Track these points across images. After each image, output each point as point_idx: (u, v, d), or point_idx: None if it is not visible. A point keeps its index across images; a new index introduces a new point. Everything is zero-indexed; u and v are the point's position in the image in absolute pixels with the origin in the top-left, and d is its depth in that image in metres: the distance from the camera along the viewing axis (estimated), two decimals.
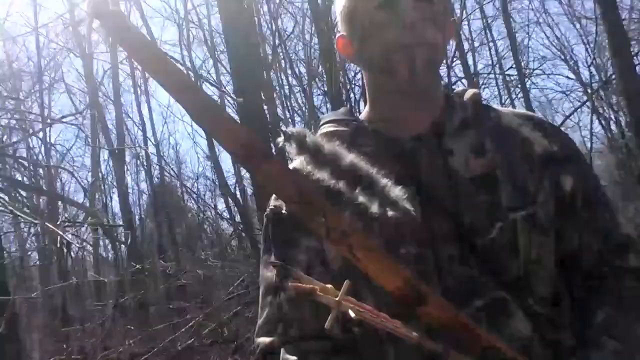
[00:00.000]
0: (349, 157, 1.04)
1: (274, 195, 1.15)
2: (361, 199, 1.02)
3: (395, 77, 1.08)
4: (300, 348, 1.08)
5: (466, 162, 1.10)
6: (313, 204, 0.94)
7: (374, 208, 1.02)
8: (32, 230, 12.55)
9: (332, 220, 0.93)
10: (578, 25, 14.40)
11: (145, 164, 13.42)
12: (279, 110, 10.16)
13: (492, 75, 14.25)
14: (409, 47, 1.06)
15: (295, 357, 1.07)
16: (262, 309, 1.15)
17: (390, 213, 1.03)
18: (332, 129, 1.18)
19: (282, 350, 1.09)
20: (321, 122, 1.23)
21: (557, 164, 1.12)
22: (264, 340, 1.12)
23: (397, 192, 1.02)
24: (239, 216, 10.25)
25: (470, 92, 1.19)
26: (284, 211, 1.13)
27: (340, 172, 1.03)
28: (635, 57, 9.83)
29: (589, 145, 12.73)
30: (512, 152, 1.11)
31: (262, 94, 6.87)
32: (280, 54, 11.19)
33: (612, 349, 1.02)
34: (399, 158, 1.10)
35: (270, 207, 1.17)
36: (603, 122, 14.30)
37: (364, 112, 1.22)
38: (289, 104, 11.49)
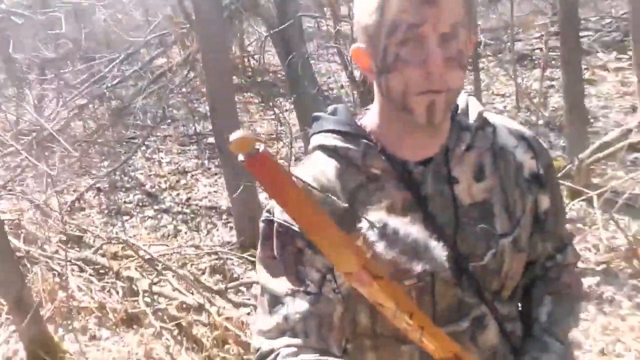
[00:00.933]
0: (413, 234, 1.00)
1: (276, 209, 1.12)
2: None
3: (412, 116, 1.05)
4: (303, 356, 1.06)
5: (468, 189, 1.13)
6: (402, 305, 1.01)
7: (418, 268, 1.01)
8: None
9: (417, 318, 1.02)
10: None
11: None
12: None
13: None
14: (430, 94, 1.03)
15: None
16: (266, 315, 1.12)
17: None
18: (340, 144, 1.13)
19: (282, 354, 1.07)
20: (321, 127, 1.18)
21: (539, 185, 1.20)
22: (266, 346, 1.10)
23: (438, 253, 1.01)
24: None
25: (474, 110, 1.17)
26: (295, 228, 1.09)
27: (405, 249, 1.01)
28: None
29: None
30: (506, 177, 1.16)
31: None
32: None
33: (557, 352, 1.20)
34: (406, 183, 1.10)
35: (279, 220, 1.12)
36: None
37: (369, 120, 1.18)
38: None
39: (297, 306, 1.08)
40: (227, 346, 3.89)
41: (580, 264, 4.09)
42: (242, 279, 4.76)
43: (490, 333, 1.18)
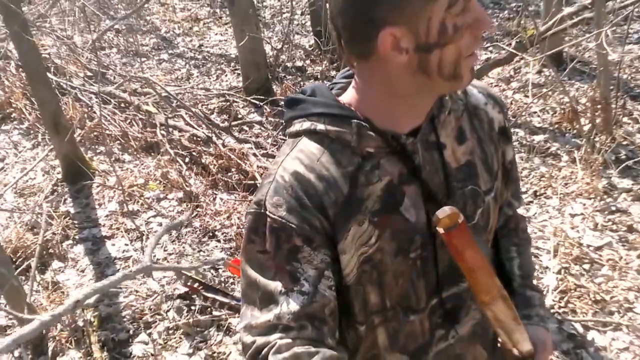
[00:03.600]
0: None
1: (270, 198, 1.08)
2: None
3: (460, 82, 1.03)
4: (296, 348, 1.03)
5: (453, 152, 1.14)
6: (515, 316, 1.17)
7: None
8: None
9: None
10: None
11: None
12: None
13: None
14: (474, 55, 1.02)
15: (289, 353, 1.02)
16: (256, 310, 1.08)
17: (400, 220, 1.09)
18: (332, 127, 1.09)
19: (277, 345, 1.04)
20: (304, 111, 1.13)
21: (506, 137, 1.25)
22: (260, 339, 1.06)
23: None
24: None
25: None
26: (292, 224, 1.05)
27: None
28: None
29: None
30: (483, 134, 1.19)
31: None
32: None
33: (538, 302, 1.35)
34: (400, 156, 1.09)
35: (274, 216, 1.07)
36: None
37: (351, 97, 1.12)
38: None
39: (291, 306, 1.05)
40: (229, 173, 4.63)
41: (537, 124, 4.70)
42: (244, 119, 5.41)
43: None
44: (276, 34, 7.71)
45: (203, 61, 7.17)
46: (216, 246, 3.95)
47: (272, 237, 1.07)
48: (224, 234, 4.04)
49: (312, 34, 7.31)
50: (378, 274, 1.12)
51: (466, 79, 1.03)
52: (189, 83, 6.47)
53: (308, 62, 6.94)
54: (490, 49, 6.47)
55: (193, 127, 5.08)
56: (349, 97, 1.12)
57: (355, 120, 1.07)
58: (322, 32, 6.30)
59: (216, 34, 8.07)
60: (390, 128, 1.08)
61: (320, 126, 1.09)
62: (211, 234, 4.06)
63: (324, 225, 1.07)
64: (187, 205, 4.35)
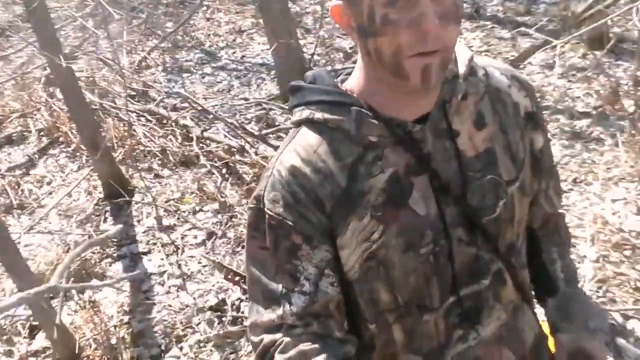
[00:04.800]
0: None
1: (268, 193, 1.06)
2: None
3: (407, 81, 0.97)
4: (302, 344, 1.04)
5: (470, 139, 1.07)
6: None
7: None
8: None
9: None
10: None
11: None
12: None
13: None
14: (425, 55, 0.94)
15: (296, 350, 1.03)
16: (261, 308, 1.08)
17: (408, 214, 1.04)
18: (329, 116, 1.04)
19: (284, 343, 1.04)
20: (303, 99, 1.09)
21: (534, 124, 1.15)
22: (267, 337, 1.07)
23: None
24: None
25: (464, 57, 1.09)
26: (289, 222, 1.04)
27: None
28: None
29: None
30: (506, 120, 1.11)
31: None
32: None
33: (591, 310, 1.23)
34: (407, 145, 1.03)
35: (271, 213, 1.05)
36: None
37: (354, 83, 1.07)
38: None
39: (293, 306, 1.04)
40: None
41: (580, 109, 4.52)
42: (280, 126, 5.41)
43: (509, 287, 1.15)
44: (317, 39, 7.68)
45: (245, 72, 7.22)
46: None
47: (271, 234, 1.06)
48: None
49: None
50: (385, 271, 1.07)
51: (414, 81, 0.96)
52: (229, 94, 6.52)
53: (347, 63, 6.81)
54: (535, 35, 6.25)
55: (229, 138, 5.11)
56: (352, 82, 1.08)
57: (355, 108, 1.03)
58: None
59: (259, 44, 8.12)
60: (395, 115, 1.03)
61: (318, 115, 1.05)
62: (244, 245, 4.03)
63: (322, 221, 1.04)
64: (221, 216, 4.36)
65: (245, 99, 6.16)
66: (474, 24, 7.14)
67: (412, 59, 0.95)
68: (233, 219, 4.30)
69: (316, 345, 1.02)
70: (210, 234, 4.20)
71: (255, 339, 1.08)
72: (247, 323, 1.14)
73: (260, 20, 8.90)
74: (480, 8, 7.46)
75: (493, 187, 1.08)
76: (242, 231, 4.12)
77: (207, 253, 4.02)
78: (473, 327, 1.13)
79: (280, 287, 1.06)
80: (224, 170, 4.87)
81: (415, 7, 0.92)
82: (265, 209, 1.06)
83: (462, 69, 1.08)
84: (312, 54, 6.43)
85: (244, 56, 7.77)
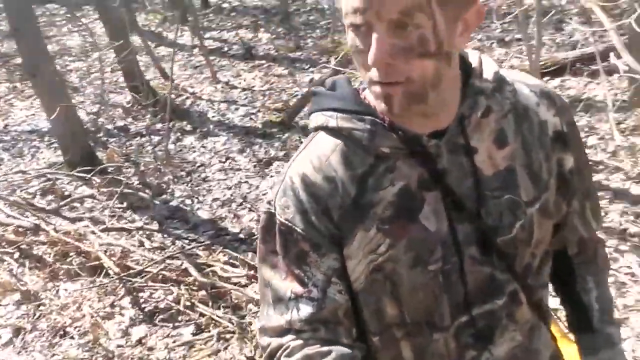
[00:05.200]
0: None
1: (279, 199, 1.06)
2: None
3: (376, 102, 0.98)
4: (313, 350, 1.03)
5: (489, 157, 1.04)
6: None
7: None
8: None
9: None
10: None
11: None
12: None
13: None
14: (384, 85, 0.94)
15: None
16: (270, 311, 1.08)
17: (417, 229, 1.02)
18: (343, 124, 1.02)
19: (291, 347, 1.04)
20: (321, 105, 1.07)
21: (563, 144, 1.11)
22: (275, 342, 1.07)
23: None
24: None
25: (490, 71, 1.05)
26: (298, 229, 1.03)
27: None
28: None
29: None
30: (530, 138, 1.07)
31: None
32: None
33: (618, 339, 1.22)
34: (420, 159, 1.01)
35: (281, 219, 1.05)
36: None
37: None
38: None
39: (301, 312, 1.04)
40: (69, 259, 4.14)
41: None
42: (73, 196, 4.94)
43: (525, 308, 1.12)
44: (88, 97, 7.22)
45: (12, 142, 6.53)
46: (71, 344, 3.48)
47: (281, 239, 1.06)
48: (77, 329, 3.58)
49: (127, 89, 6.91)
50: (392, 285, 1.05)
51: (380, 107, 0.97)
52: (1, 170, 5.84)
53: (130, 119, 6.53)
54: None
55: (16, 218, 4.53)
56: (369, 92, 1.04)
57: (369, 117, 1.01)
58: (139, 86, 5.99)
59: (21, 110, 7.43)
60: (413, 127, 1.01)
61: (333, 122, 1.04)
62: (62, 333, 3.58)
63: (330, 229, 1.03)
64: (27, 307, 3.82)
65: (23, 172, 5.54)
66: (249, 64, 7.21)
67: (374, 85, 0.95)
68: (41, 308, 3.79)
69: (323, 349, 1.02)
70: (17, 330, 3.66)
71: (264, 342, 1.09)
72: (257, 325, 1.13)
73: (18, 85, 8.22)
74: (251, 49, 7.56)
75: (511, 207, 1.05)
76: (56, 319, 3.65)
77: (18, 353, 3.48)
78: (486, 347, 1.10)
79: (289, 292, 1.06)
80: (17, 255, 4.29)
81: (369, 39, 0.91)
82: (276, 214, 1.06)
83: (485, 85, 1.04)
84: (94, 113, 6.00)
85: (6, 125, 7.06)
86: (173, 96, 6.25)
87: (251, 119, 6.11)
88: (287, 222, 1.04)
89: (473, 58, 1.07)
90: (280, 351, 1.05)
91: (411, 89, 0.94)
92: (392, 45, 0.90)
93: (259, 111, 6.18)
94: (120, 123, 6.48)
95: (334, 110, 1.04)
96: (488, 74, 1.05)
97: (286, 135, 5.61)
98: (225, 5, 9.02)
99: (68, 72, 8.28)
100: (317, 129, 1.08)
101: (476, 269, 1.05)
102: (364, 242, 1.03)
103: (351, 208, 1.02)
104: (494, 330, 1.10)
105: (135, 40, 7.44)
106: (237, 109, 6.35)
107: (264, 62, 7.17)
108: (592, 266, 1.25)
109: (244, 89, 6.71)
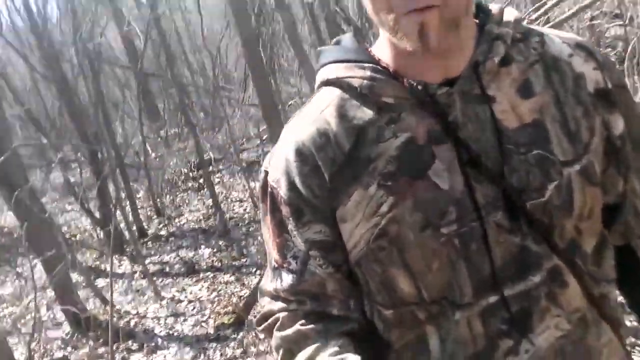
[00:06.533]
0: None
1: (270, 158, 1.00)
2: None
3: (405, 43, 0.88)
4: (320, 327, 0.97)
5: (512, 108, 0.93)
6: None
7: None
8: None
9: None
10: None
11: None
12: None
13: None
14: (419, 12, 0.84)
15: (317, 344, 0.94)
16: (266, 274, 1.05)
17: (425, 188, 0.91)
18: (343, 73, 0.96)
19: (279, 323, 0.99)
20: (323, 59, 1.02)
21: (609, 103, 0.98)
22: (268, 305, 1.03)
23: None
24: None
25: (509, 14, 0.98)
26: (281, 192, 0.96)
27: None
28: None
29: None
30: (563, 91, 0.95)
31: None
32: None
33: None
34: (429, 109, 0.91)
35: (269, 179, 0.99)
36: None
37: (379, 47, 0.98)
38: None
39: (283, 283, 1.00)
40: None
41: None
42: None
43: (573, 292, 0.94)
44: (24, 336, 6.76)
45: None
46: None
47: (269, 202, 1.00)
48: None
49: (66, 322, 6.53)
50: (400, 253, 0.92)
51: (412, 42, 0.86)
52: None
53: (69, 349, 6.12)
54: None
55: None
56: (377, 46, 0.98)
57: (370, 64, 0.94)
58: (79, 316, 5.65)
59: None
60: (421, 76, 0.92)
61: (332, 74, 0.98)
62: None
63: (317, 194, 0.94)
64: None
65: None
66: (194, 279, 7.02)
67: (405, 17, 0.85)
68: None
69: (315, 326, 0.97)
70: None
71: (261, 302, 1.07)
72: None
73: None
74: (194, 265, 7.42)
75: (541, 165, 0.91)
76: None
77: None
78: (525, 335, 0.92)
79: (273, 260, 1.02)
80: None
81: None
82: (268, 175, 1.00)
83: (504, 30, 0.95)
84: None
85: None
86: (115, 319, 5.94)
87: (202, 326, 5.81)
88: (273, 185, 0.98)
89: (493, 6, 0.99)
90: (271, 319, 1.02)
91: (447, 14, 0.85)
92: None
93: (209, 318, 5.90)
94: (58, 354, 6.06)
95: (336, 62, 0.98)
96: (508, 20, 0.97)
97: (241, 334, 5.31)
98: (162, 232, 8.98)
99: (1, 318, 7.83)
100: (320, 85, 1.01)
101: (503, 238, 0.91)
102: (363, 202, 0.92)
103: (345, 163, 0.93)
104: (531, 314, 0.93)
105: (74, 276, 7.23)
106: (185, 320, 6.06)
107: (208, 273, 7.01)
108: None
109: (190, 301, 6.47)
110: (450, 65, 0.93)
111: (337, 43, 1.03)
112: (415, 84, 0.91)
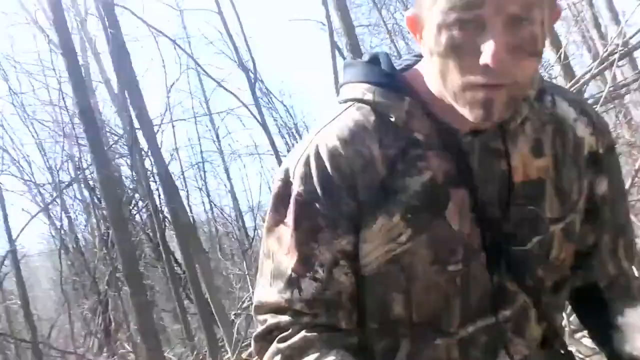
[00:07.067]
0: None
1: (299, 168, 0.99)
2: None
3: (469, 112, 0.90)
4: (323, 339, 0.98)
5: (523, 165, 1.00)
6: None
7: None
8: None
9: None
10: None
11: None
12: None
13: None
14: (489, 88, 0.87)
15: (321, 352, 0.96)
16: (267, 285, 1.03)
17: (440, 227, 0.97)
18: (380, 99, 0.98)
19: (292, 335, 0.99)
20: (357, 75, 1.03)
21: (597, 165, 1.06)
22: (271, 319, 1.01)
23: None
24: None
25: (536, 77, 1.01)
26: (316, 203, 0.97)
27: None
28: None
29: None
30: (563, 155, 1.03)
31: None
32: None
33: None
34: (452, 153, 0.97)
35: (299, 189, 0.98)
36: None
37: (416, 75, 1.00)
38: None
39: (303, 293, 0.99)
40: None
41: None
42: None
43: (532, 326, 1.05)
44: None
45: None
46: None
47: (295, 211, 0.99)
48: None
49: None
50: (406, 280, 0.98)
51: (475, 113, 0.89)
52: None
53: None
54: None
55: None
56: (413, 75, 1.01)
57: (409, 98, 0.97)
58: None
59: None
60: (451, 121, 0.96)
61: (369, 96, 0.99)
62: None
63: (351, 209, 0.97)
64: None
65: None
66: None
67: (474, 89, 0.88)
68: None
69: (320, 335, 0.97)
70: None
71: (260, 318, 1.03)
72: (254, 298, 1.06)
73: None
74: None
75: (532, 220, 1.00)
76: None
77: None
78: None
79: (290, 269, 1.00)
80: None
81: (484, 34, 0.84)
82: (293, 183, 0.99)
83: (530, 92, 1.00)
84: None
85: None
86: None
87: None
88: (305, 194, 0.98)
89: None
90: (276, 332, 1.00)
91: (515, 94, 0.89)
92: (507, 43, 0.84)
93: None
94: None
95: (372, 83, 0.99)
96: (534, 81, 1.01)
97: None
98: None
99: None
100: (349, 101, 1.02)
101: (482, 276, 1.00)
102: (385, 228, 0.97)
103: (379, 189, 0.97)
104: (500, 343, 1.03)
105: None
106: None
107: None
108: (626, 300, 1.10)
109: None
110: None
111: (374, 59, 1.04)
112: (445, 127, 0.96)
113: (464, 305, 0.99)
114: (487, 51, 0.83)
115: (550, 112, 1.03)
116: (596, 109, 1.16)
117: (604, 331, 1.10)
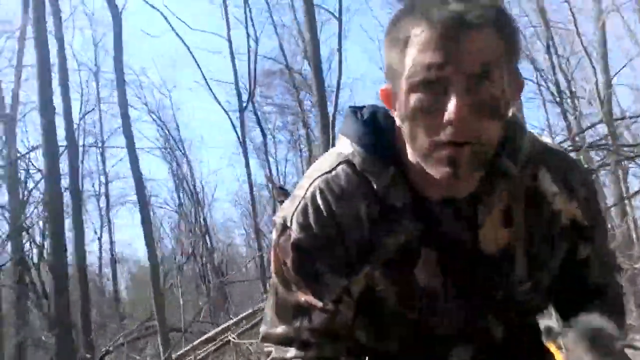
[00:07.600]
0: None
1: (297, 217, 1.06)
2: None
3: (436, 171, 0.95)
4: None
5: (493, 234, 1.06)
6: None
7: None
8: None
9: None
10: None
11: None
12: None
13: None
14: (452, 146, 0.92)
15: None
16: (275, 317, 1.11)
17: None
18: (367, 166, 1.04)
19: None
20: (355, 132, 1.08)
21: (580, 232, 1.11)
22: (277, 353, 1.10)
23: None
24: None
25: (525, 147, 1.07)
26: (315, 250, 1.05)
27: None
28: None
29: None
30: (535, 227, 1.08)
31: None
32: None
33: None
34: (425, 218, 1.04)
35: (298, 236, 1.05)
36: None
37: (401, 143, 1.04)
38: None
39: (313, 323, 1.07)
40: None
41: None
42: None
43: (497, 335, 1.14)
44: None
45: None
46: None
47: (295, 256, 1.05)
48: None
49: None
50: (379, 308, 1.09)
51: (441, 170, 0.94)
52: None
53: None
54: None
55: None
56: (400, 140, 1.04)
57: (393, 167, 1.03)
58: None
59: None
60: (422, 191, 1.04)
61: (357, 160, 1.05)
62: None
63: (343, 258, 1.05)
64: None
65: None
66: None
67: (439, 148, 0.93)
68: None
69: None
70: None
71: (266, 349, 1.11)
72: (261, 329, 1.13)
73: None
74: None
75: (498, 283, 1.09)
76: None
77: None
78: None
79: (300, 300, 1.07)
80: None
81: (447, 95, 0.90)
82: (292, 230, 1.06)
83: (511, 167, 1.05)
84: None
85: None
86: None
87: None
88: (304, 241, 1.05)
89: (509, 126, 1.03)
90: None
91: (478, 151, 0.94)
92: (469, 102, 0.90)
93: None
94: None
95: (362, 146, 1.05)
96: (522, 152, 1.06)
97: None
98: None
99: None
100: (341, 156, 1.08)
101: (455, 315, 1.10)
102: (368, 277, 1.07)
103: (366, 246, 1.05)
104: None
105: None
106: None
107: None
108: (603, 307, 1.13)
109: None
110: (454, 188, 1.03)
111: (372, 116, 1.10)
112: (419, 197, 1.04)
113: (428, 343, 1.11)
114: (450, 109, 0.89)
115: (528, 185, 1.08)
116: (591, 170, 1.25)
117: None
